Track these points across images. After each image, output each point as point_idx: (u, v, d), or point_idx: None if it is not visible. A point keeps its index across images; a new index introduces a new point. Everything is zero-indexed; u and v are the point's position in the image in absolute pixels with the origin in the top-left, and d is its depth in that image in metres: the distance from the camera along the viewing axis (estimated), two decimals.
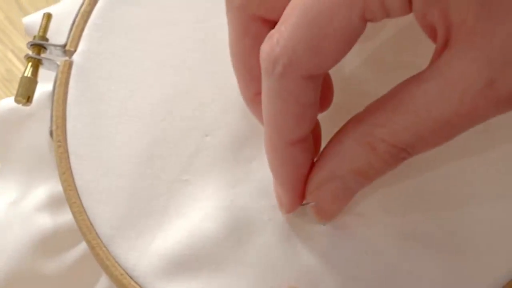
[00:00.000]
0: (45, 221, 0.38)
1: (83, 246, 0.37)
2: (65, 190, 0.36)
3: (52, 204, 0.38)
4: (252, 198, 0.35)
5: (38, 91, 0.40)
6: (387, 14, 0.26)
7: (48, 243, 0.37)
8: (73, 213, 0.35)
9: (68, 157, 0.36)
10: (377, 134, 0.27)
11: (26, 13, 0.56)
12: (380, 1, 0.26)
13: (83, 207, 0.35)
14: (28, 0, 0.57)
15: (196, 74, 0.38)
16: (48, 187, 0.39)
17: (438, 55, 0.26)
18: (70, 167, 0.36)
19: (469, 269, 0.33)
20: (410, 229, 0.34)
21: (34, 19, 0.43)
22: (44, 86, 0.41)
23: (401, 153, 0.28)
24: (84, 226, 0.35)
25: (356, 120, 0.29)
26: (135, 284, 0.34)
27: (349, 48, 0.27)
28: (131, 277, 0.34)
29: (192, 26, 0.39)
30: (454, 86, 0.25)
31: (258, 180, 0.35)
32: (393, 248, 0.34)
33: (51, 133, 0.38)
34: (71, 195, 0.36)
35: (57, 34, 0.41)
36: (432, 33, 0.27)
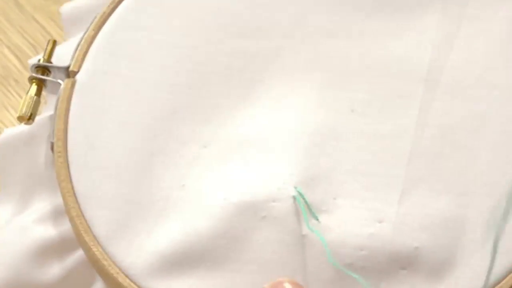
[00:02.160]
0: (41, 233, 0.38)
1: (77, 254, 0.37)
2: (64, 196, 0.36)
3: (49, 217, 0.38)
4: (246, 197, 0.35)
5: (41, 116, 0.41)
6: None
7: (45, 253, 0.37)
8: (71, 218, 0.36)
9: (68, 166, 0.37)
10: None
11: (22, 9, 0.57)
12: None
13: (81, 211, 0.36)
14: None
15: (195, 91, 0.39)
16: (45, 203, 0.39)
17: None
18: (69, 175, 0.37)
19: None
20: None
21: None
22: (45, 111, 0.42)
23: None
24: (81, 229, 0.35)
25: None
26: (130, 282, 0.34)
27: None
28: (126, 276, 0.34)
29: (192, 50, 0.40)
30: None
31: (252, 178, 0.36)
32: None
33: (51, 147, 0.38)
34: (69, 201, 0.36)
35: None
36: None
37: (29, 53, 0.55)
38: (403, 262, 0.34)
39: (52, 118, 0.40)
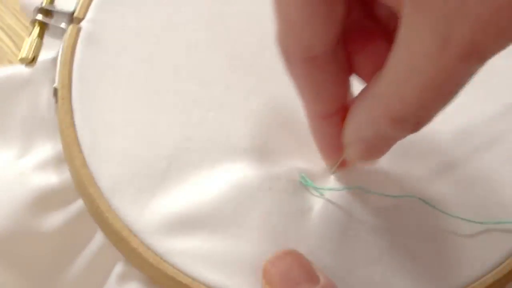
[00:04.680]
0: (42, 180, 0.37)
1: (77, 204, 0.37)
2: (67, 144, 0.36)
3: (49, 164, 0.38)
4: (253, 170, 0.36)
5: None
6: None
7: (44, 201, 0.37)
8: (75, 167, 0.35)
9: (72, 114, 0.37)
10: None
11: None
12: None
13: (85, 161, 0.35)
14: None
15: (208, 46, 0.39)
16: (46, 148, 0.38)
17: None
18: (73, 124, 0.36)
19: None
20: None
21: None
22: (45, 55, 0.41)
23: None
24: (86, 179, 0.35)
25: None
26: (134, 238, 0.34)
27: (334, 20, 0.28)
28: (130, 230, 0.34)
29: (203, 6, 0.40)
30: (416, 55, 0.25)
31: (259, 156, 0.36)
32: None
33: (54, 92, 0.38)
34: (73, 149, 0.36)
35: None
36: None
37: (23, 35, 0.55)
38: (405, 237, 0.35)
39: (55, 62, 0.39)
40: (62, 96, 0.37)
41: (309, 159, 0.36)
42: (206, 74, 0.38)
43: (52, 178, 0.37)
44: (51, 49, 0.41)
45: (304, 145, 0.36)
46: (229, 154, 0.36)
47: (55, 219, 0.37)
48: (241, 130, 0.37)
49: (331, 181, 0.36)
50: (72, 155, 0.36)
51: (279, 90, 0.37)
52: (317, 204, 0.35)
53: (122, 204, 0.34)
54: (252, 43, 0.39)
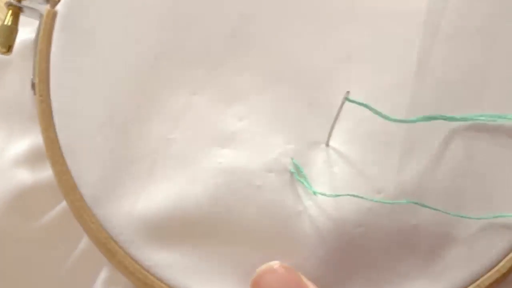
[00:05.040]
0: (24, 177, 0.36)
1: (63, 204, 0.36)
2: (47, 148, 0.34)
3: (32, 159, 0.37)
4: (241, 161, 0.34)
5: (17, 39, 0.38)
6: None
7: (26, 200, 0.36)
8: (56, 172, 0.34)
9: (51, 112, 0.35)
10: None
11: None
12: None
13: (66, 166, 0.34)
14: None
15: (184, 29, 0.36)
16: (29, 140, 0.37)
17: None
18: (53, 124, 0.35)
19: None
20: None
21: None
22: (24, 33, 0.39)
23: None
24: (67, 187, 0.34)
25: None
26: (120, 250, 0.33)
27: None
28: (115, 242, 0.33)
29: None
30: None
31: (247, 139, 0.35)
32: None
33: (32, 86, 0.36)
34: (54, 154, 0.34)
35: None
36: None
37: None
38: (401, 239, 0.34)
39: (35, 44, 0.37)
40: (40, 92, 0.35)
41: (299, 133, 0.35)
42: (192, 56, 0.36)
43: (37, 175, 0.36)
44: (29, 26, 0.39)
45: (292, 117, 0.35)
46: (217, 140, 0.35)
47: (38, 221, 0.36)
48: (228, 111, 0.35)
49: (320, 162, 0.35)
50: (53, 159, 0.34)
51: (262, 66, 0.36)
52: (308, 208, 0.34)
53: (106, 212, 0.33)
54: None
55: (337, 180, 0.34)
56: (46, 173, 0.36)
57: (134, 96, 0.35)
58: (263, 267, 0.32)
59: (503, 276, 0.34)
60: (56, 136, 0.35)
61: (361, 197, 0.33)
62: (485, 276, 0.34)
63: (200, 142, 0.35)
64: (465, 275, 0.34)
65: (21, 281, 0.37)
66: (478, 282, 0.34)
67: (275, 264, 0.33)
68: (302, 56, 0.36)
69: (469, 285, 0.34)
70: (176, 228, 0.33)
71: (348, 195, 0.33)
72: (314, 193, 0.34)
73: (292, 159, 0.34)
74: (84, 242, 0.35)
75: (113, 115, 0.35)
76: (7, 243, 0.36)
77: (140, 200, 0.34)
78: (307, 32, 0.36)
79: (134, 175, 0.34)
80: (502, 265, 0.34)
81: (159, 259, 0.33)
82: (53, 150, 0.34)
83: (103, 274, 0.35)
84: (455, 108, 0.35)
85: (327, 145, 0.34)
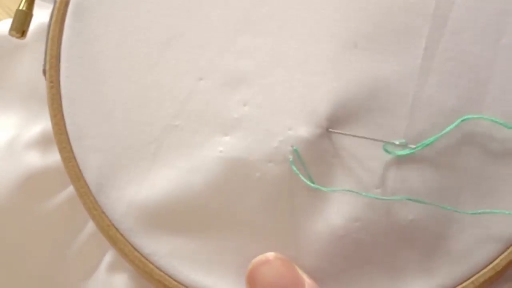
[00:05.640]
0: (35, 160, 0.37)
1: (71, 189, 0.36)
2: (55, 134, 0.35)
3: (43, 142, 0.37)
4: (243, 149, 0.34)
5: (32, 22, 0.39)
6: None
7: (36, 183, 0.37)
8: (62, 159, 0.35)
9: (60, 99, 0.35)
10: None
11: None
12: None
13: (72, 153, 0.35)
14: None
15: (193, 16, 0.36)
16: (42, 124, 0.38)
17: None
18: (61, 110, 0.35)
19: None
20: None
21: None
22: (39, 17, 0.39)
23: None
24: (72, 173, 0.34)
25: None
26: (121, 237, 0.34)
27: None
28: (117, 229, 0.34)
29: None
30: None
31: (250, 127, 0.34)
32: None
33: (44, 72, 0.36)
34: (61, 140, 0.35)
35: None
36: None
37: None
38: (397, 235, 0.34)
39: (45, 36, 0.37)
40: (50, 79, 0.36)
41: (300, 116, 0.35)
42: (199, 42, 0.36)
43: (47, 158, 0.37)
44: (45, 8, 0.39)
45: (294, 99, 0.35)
46: (220, 127, 0.35)
47: (47, 202, 0.37)
48: (233, 96, 0.35)
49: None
50: (60, 145, 0.35)
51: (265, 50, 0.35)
52: (306, 201, 0.34)
53: (109, 200, 0.34)
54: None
55: (336, 172, 0.34)
56: (56, 157, 0.36)
57: (142, 83, 0.35)
58: (258, 258, 0.33)
59: (498, 274, 0.34)
60: (64, 122, 0.35)
61: (358, 193, 0.33)
62: (480, 273, 0.34)
63: (204, 128, 0.35)
64: (460, 272, 0.34)
65: (27, 261, 0.38)
66: (472, 279, 0.34)
67: (270, 255, 0.33)
68: (310, 42, 0.36)
69: (464, 281, 0.34)
70: (176, 217, 0.34)
71: (345, 190, 0.33)
72: (310, 186, 0.33)
73: (292, 146, 0.34)
74: (90, 226, 0.36)
75: (121, 103, 0.35)
76: (15, 223, 0.37)
77: (142, 189, 0.34)
78: (313, 19, 0.36)
79: (138, 163, 0.35)
80: (497, 263, 0.34)
81: (158, 247, 0.33)
82: (60, 136, 0.35)
83: (108, 258, 0.36)
84: (458, 103, 0.34)
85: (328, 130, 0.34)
